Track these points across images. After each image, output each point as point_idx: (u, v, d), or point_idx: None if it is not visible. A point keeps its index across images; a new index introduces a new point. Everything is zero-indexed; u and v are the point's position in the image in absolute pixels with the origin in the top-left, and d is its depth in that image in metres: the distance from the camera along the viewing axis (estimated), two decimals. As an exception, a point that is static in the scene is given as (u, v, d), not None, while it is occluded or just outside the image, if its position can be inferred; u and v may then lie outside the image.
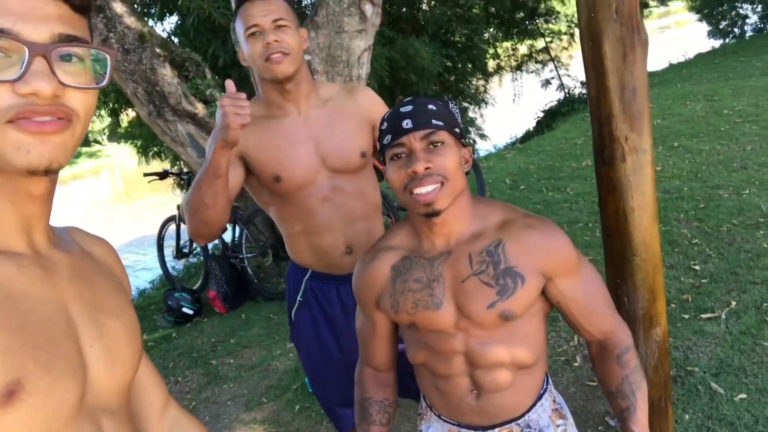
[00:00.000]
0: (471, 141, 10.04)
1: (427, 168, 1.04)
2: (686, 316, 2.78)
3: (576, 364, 2.64)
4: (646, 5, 16.57)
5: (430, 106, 1.09)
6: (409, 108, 1.09)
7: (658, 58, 12.65)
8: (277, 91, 1.50)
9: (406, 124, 1.06)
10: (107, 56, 0.65)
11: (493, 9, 9.67)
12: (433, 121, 1.07)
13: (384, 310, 1.20)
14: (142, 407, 0.84)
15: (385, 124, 1.11)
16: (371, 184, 1.61)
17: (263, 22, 1.42)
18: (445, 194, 1.05)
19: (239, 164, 1.50)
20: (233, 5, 1.50)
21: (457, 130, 1.11)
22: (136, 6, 6.72)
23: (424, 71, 6.67)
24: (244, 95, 1.27)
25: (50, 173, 0.61)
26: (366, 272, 1.21)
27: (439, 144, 1.07)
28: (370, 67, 4.36)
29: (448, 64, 8.53)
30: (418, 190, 1.04)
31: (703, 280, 3.08)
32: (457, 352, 1.14)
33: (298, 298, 1.64)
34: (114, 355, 0.68)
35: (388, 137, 1.09)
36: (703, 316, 2.75)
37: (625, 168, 1.45)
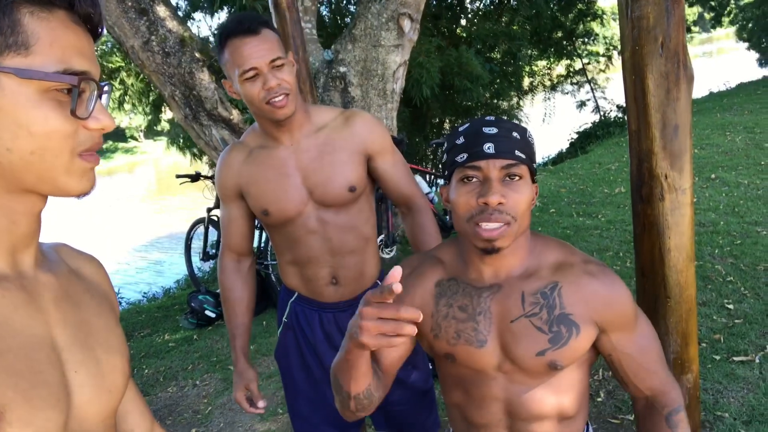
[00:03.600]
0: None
1: (500, 203, 0.96)
2: (717, 358, 2.68)
3: (599, 399, 2.57)
4: (688, 30, 16.28)
5: (515, 134, 1.01)
6: (494, 130, 1.00)
7: (698, 86, 12.40)
8: (271, 124, 1.46)
9: (488, 147, 0.98)
10: (111, 88, 0.70)
11: (531, 27, 9.61)
12: (517, 152, 0.99)
13: (422, 329, 1.11)
14: None
15: (462, 138, 1.01)
16: (364, 217, 1.55)
17: (260, 64, 1.34)
18: (510, 234, 0.98)
19: (239, 200, 1.54)
20: (216, 39, 1.41)
21: (534, 165, 1.04)
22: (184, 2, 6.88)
23: (478, 79, 6.74)
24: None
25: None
26: (410, 277, 1.13)
27: (516, 177, 0.99)
28: (405, 80, 4.36)
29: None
30: (485, 225, 0.97)
31: (737, 321, 2.98)
32: (496, 399, 1.07)
33: (284, 319, 1.65)
34: (100, 380, 0.67)
35: (463, 156, 1.00)
36: (736, 358, 2.65)
37: (664, 207, 1.41)
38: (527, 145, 1.02)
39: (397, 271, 0.81)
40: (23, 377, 0.57)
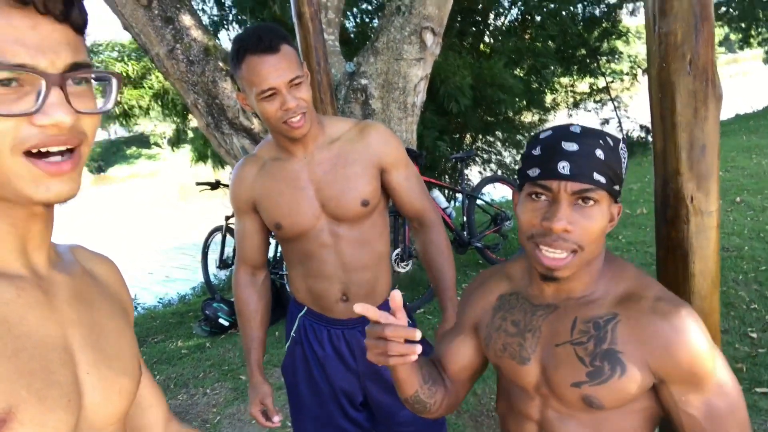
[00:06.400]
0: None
1: (566, 231, 0.89)
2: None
3: None
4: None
5: (599, 153, 0.89)
6: (574, 147, 0.89)
7: (724, 107, 12.22)
8: (286, 138, 1.43)
9: (563, 167, 0.88)
10: (113, 79, 0.63)
11: (555, 44, 9.57)
12: (596, 175, 0.89)
13: (480, 338, 1.12)
14: (144, 427, 0.84)
15: (538, 149, 0.93)
16: (377, 232, 1.52)
17: (279, 84, 1.31)
18: (574, 264, 0.91)
19: (253, 213, 1.52)
20: (232, 50, 1.37)
21: (617, 187, 0.93)
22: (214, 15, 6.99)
23: (511, 89, 6.83)
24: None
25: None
26: (477, 290, 1.14)
27: (590, 202, 0.90)
28: (426, 93, 4.35)
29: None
30: (546, 250, 0.90)
31: (761, 350, 2.89)
32: (531, 419, 1.04)
33: (292, 333, 1.62)
34: (111, 382, 0.66)
35: (535, 171, 0.92)
36: (759, 389, 2.56)
37: (689, 230, 1.36)
38: (611, 166, 0.91)
39: (397, 296, 0.88)
40: (37, 377, 0.56)
